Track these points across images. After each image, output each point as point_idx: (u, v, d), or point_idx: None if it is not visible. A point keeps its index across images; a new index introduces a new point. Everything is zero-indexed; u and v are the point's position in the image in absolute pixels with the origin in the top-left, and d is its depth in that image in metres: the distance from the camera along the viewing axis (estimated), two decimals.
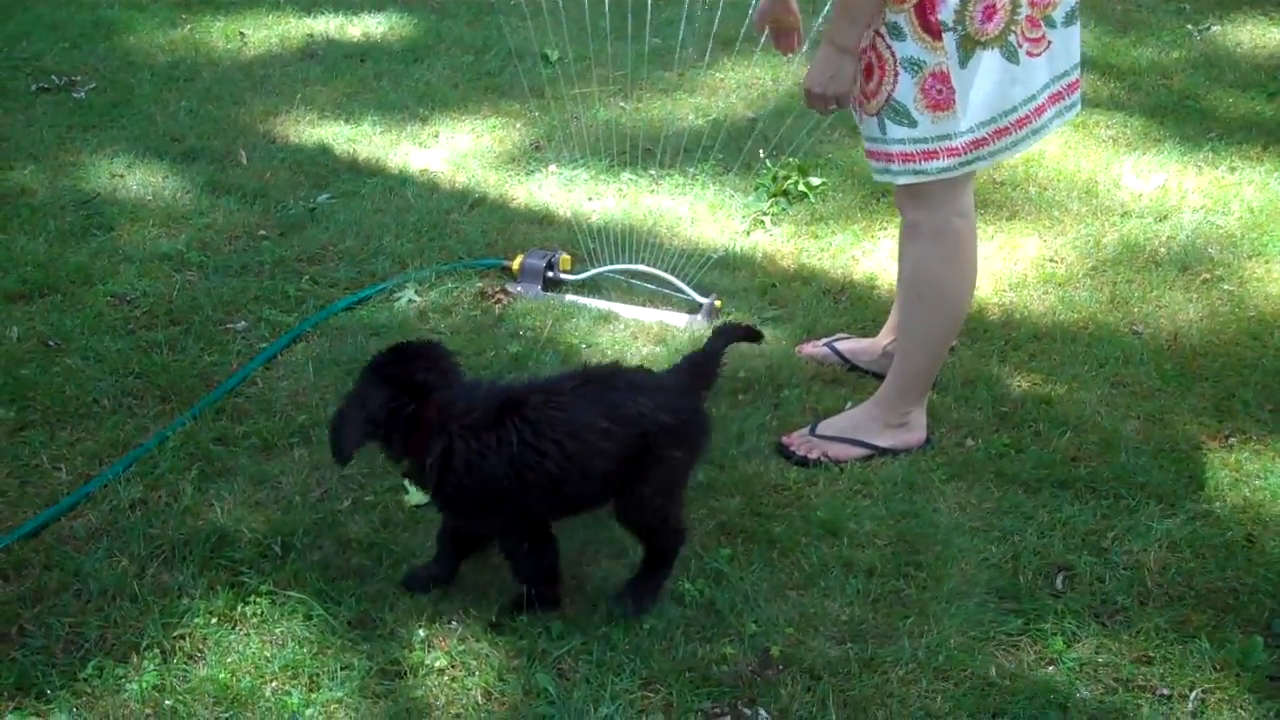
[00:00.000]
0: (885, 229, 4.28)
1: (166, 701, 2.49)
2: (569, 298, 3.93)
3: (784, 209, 4.41)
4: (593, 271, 4.00)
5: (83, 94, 5.45)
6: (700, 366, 2.83)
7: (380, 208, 4.48)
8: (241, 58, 5.92)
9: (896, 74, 2.85)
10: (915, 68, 2.83)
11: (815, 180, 4.49)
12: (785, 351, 3.64)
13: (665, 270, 3.94)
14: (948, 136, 2.87)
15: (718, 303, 3.83)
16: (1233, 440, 3.28)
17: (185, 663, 2.59)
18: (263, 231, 4.33)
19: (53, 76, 5.60)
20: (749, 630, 2.68)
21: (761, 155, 4.61)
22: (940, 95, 2.84)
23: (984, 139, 2.89)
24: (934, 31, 2.79)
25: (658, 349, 3.67)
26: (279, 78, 5.65)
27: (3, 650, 2.62)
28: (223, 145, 4.96)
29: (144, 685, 2.52)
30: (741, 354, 3.61)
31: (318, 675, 2.56)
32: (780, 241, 4.24)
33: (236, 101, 5.39)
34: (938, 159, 2.90)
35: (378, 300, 3.91)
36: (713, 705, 2.51)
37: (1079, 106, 3.04)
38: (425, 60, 5.85)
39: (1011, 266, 4.07)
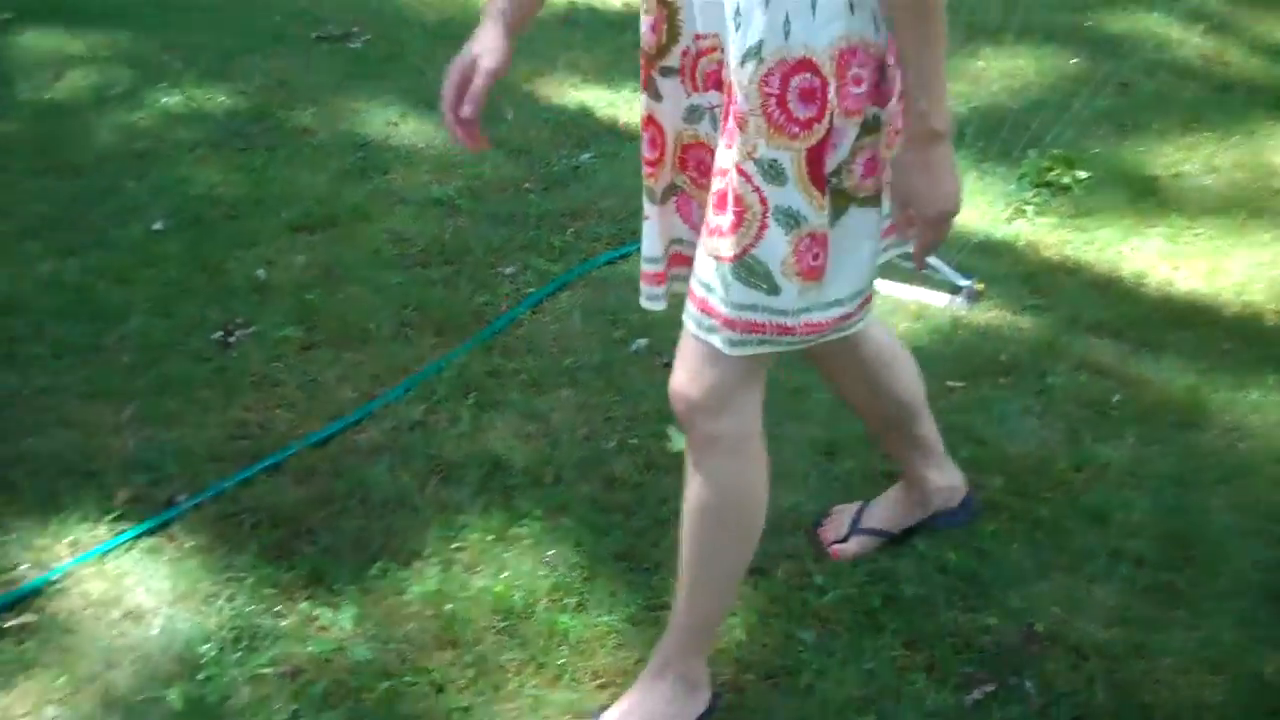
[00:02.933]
0: (1155, 226, 4.16)
1: (447, 606, 2.62)
2: None
3: (1046, 200, 4.34)
4: None
5: (358, 45, 5.69)
6: None
7: (640, 171, 4.55)
8: None
9: (764, 225, 2.04)
10: (791, 222, 2.03)
11: (1081, 174, 4.40)
12: (1048, 339, 3.59)
13: None
14: (809, 309, 2.11)
15: (979, 286, 3.79)
16: None
17: (464, 573, 2.72)
18: (528, 185, 4.46)
19: (329, 26, 5.87)
20: (1013, 604, 2.66)
21: (1025, 150, 4.53)
22: (816, 262, 2.07)
23: (851, 313, 2.17)
24: (821, 184, 2.03)
25: (916, 324, 3.66)
26: (542, 41, 5.79)
27: (296, 547, 2.80)
28: (488, 103, 5.10)
29: (426, 589, 2.66)
30: (1003, 338, 3.58)
31: (586, 600, 2.66)
32: (1043, 231, 4.17)
33: None
34: (794, 334, 2.12)
35: (639, 258, 3.99)
36: (976, 671, 2.51)
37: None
38: None
39: None
